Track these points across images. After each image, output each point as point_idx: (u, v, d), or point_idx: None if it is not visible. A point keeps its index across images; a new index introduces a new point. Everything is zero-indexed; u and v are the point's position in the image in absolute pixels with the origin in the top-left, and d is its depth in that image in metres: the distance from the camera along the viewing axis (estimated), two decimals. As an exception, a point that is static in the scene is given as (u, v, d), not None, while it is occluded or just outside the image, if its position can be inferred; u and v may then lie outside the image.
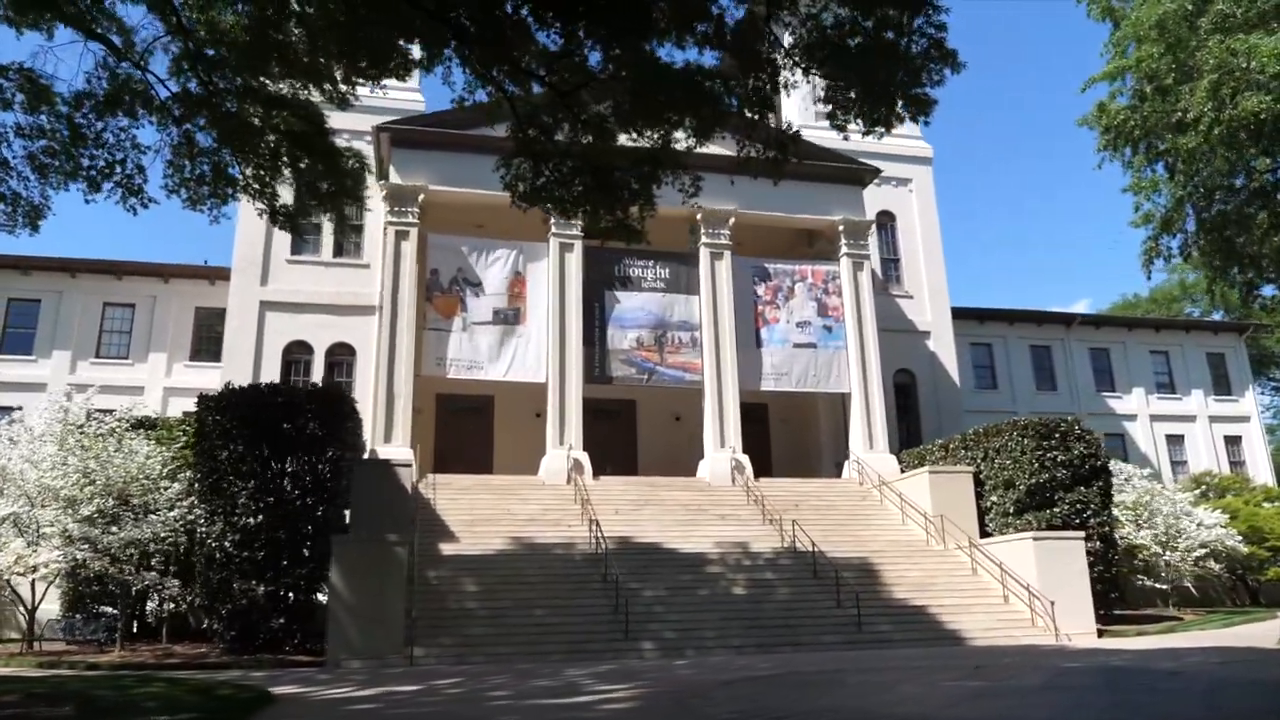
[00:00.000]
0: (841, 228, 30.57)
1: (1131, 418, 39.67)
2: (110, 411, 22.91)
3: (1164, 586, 27.06)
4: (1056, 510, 22.92)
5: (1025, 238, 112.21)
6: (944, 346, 34.30)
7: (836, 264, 30.66)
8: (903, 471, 27.47)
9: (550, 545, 22.28)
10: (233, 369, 27.65)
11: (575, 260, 28.50)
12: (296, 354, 29.19)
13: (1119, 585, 23.90)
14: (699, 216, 29.37)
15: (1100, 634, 20.79)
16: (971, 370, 38.13)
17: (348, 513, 20.95)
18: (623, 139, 14.20)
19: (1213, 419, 40.54)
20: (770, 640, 18.91)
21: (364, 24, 12.98)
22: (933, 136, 43.90)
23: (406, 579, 19.16)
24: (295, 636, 18.99)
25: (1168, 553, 26.26)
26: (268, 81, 15.78)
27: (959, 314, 37.62)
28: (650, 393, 31.06)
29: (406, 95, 30.48)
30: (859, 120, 10.81)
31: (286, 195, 16.56)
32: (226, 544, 18.68)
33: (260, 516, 18.73)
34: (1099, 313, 46.70)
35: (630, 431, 32.57)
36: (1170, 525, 26.55)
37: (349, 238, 30.84)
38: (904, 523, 25.41)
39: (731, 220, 29.63)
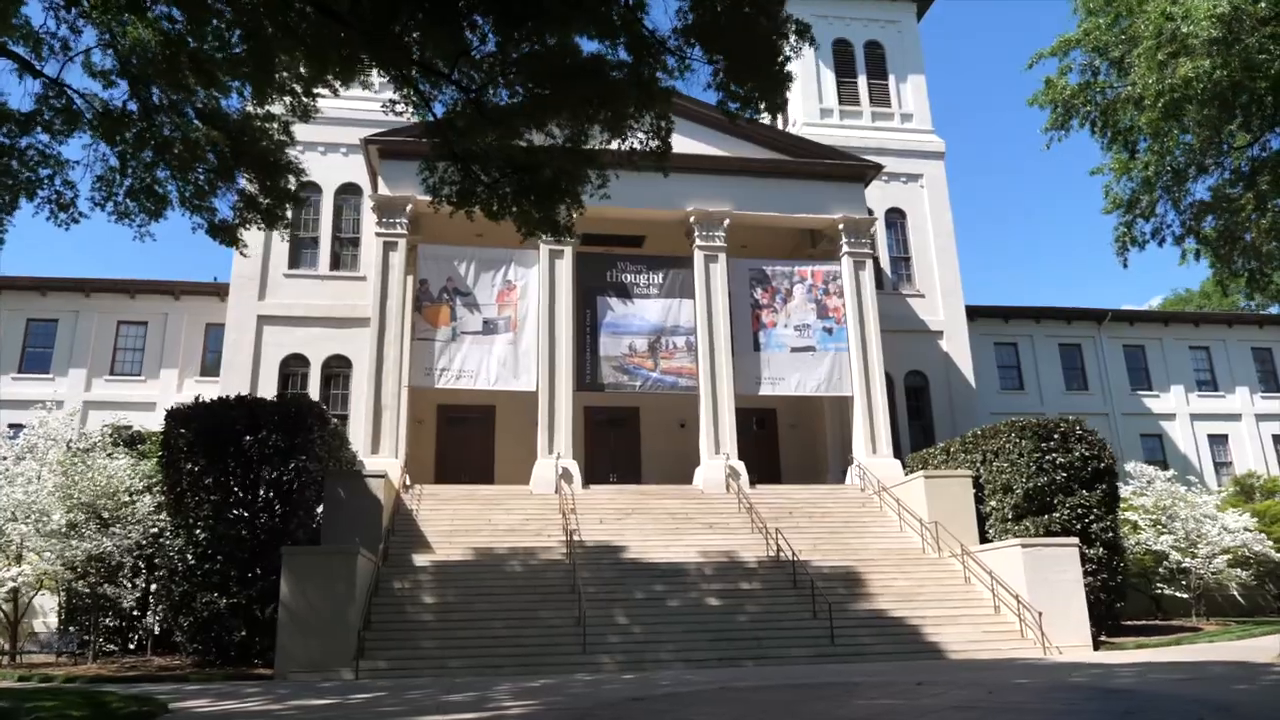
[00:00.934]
0: (842, 226, 29.62)
1: (1170, 417, 37.67)
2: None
3: (1185, 596, 25.45)
4: (1056, 515, 21.70)
5: (1086, 236, 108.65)
6: (958, 347, 32.99)
7: (837, 264, 29.72)
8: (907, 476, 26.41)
9: (524, 556, 21.89)
10: (231, 383, 27.95)
11: (566, 267, 28.17)
12: (294, 367, 29.41)
13: (1125, 594, 22.46)
14: (692, 219, 28.89)
15: (1097, 646, 19.55)
16: (995, 371, 36.72)
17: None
18: (543, 139, 13.90)
19: (1259, 417, 38.25)
20: (735, 654, 18.18)
21: (262, 31, 12.83)
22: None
23: (366, 590, 19.00)
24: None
25: (1187, 559, 24.68)
26: (216, 94, 15.86)
27: (981, 313, 36.35)
28: (654, 400, 30.52)
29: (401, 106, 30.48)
30: (735, 102, 10.24)
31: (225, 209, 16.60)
32: (189, 557, 18.76)
33: (221, 529, 18.76)
34: (1132, 308, 44.56)
35: (634, 439, 32.08)
36: (1191, 530, 24.96)
37: (345, 249, 31.05)
38: (901, 530, 24.39)
39: (726, 221, 28.97)
